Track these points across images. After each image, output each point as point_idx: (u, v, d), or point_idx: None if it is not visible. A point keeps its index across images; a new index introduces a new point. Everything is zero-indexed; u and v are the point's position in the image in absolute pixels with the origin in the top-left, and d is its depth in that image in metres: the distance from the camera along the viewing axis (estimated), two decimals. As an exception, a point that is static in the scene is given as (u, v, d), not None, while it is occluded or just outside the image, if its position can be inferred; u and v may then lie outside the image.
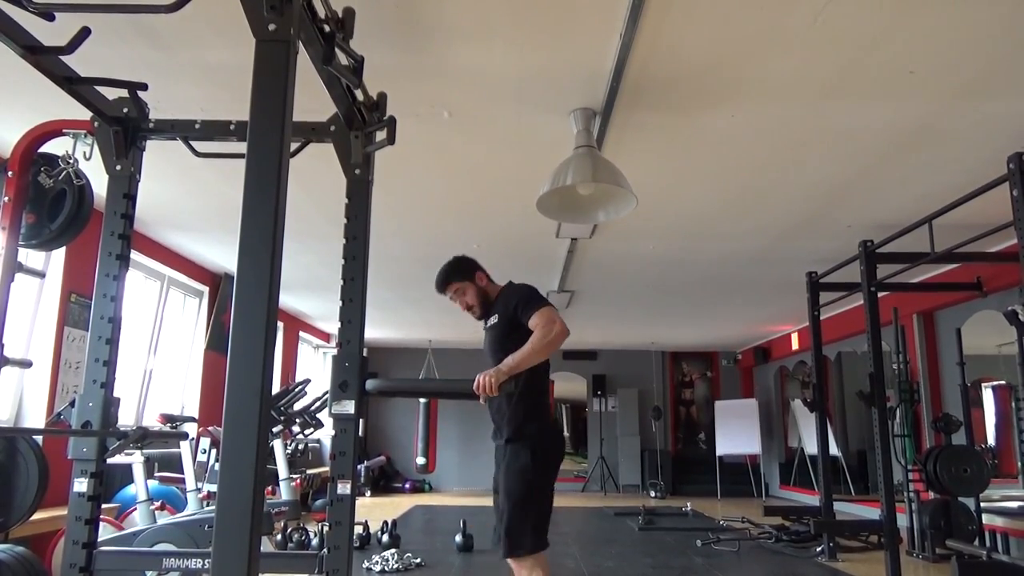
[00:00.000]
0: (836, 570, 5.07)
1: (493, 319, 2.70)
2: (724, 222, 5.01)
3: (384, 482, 11.44)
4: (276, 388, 6.37)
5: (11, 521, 2.58)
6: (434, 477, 11.31)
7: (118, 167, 2.41)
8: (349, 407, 2.29)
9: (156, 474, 4.98)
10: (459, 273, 2.82)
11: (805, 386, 10.31)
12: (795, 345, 9.85)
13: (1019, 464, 5.93)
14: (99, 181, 2.45)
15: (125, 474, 4.71)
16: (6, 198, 2.36)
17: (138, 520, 4.08)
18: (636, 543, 6.25)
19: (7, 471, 2.56)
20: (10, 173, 2.39)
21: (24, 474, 2.56)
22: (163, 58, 2.85)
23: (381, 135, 2.45)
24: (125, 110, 2.37)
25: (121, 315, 2.36)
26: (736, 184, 4.27)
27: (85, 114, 2.36)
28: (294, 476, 6.51)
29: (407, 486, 11.37)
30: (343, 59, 2.10)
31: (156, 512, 4.23)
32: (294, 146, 2.45)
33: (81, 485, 2.24)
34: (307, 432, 6.66)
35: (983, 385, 7.03)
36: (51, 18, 1.72)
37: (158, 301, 5.97)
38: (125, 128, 2.40)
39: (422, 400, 9.08)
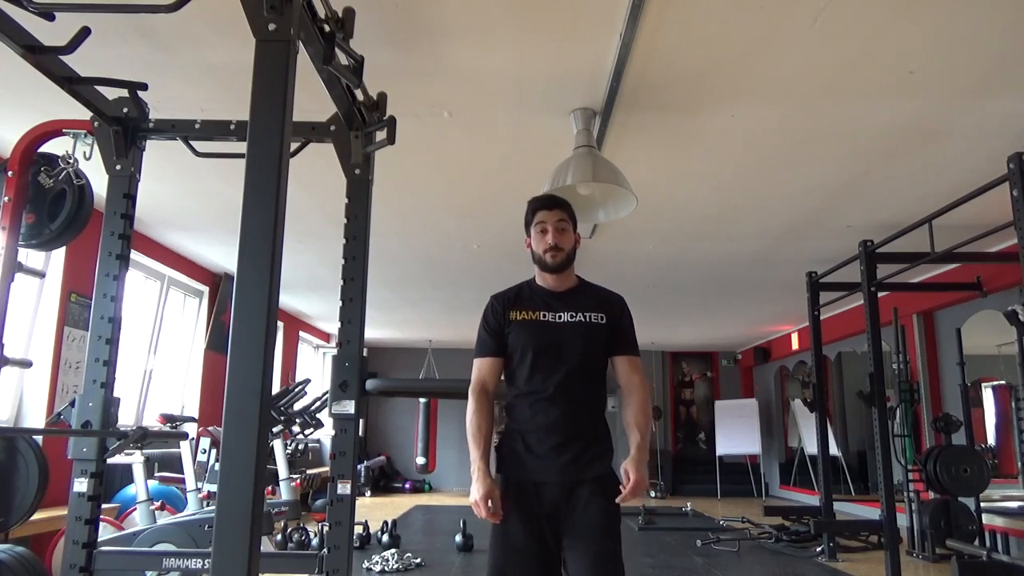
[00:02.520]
0: (836, 570, 5.07)
1: (595, 316, 2.09)
2: (724, 222, 5.01)
3: (384, 482, 11.44)
4: (276, 388, 6.37)
5: (11, 521, 2.57)
6: (434, 477, 11.31)
7: (118, 167, 2.41)
8: (349, 407, 2.30)
9: (156, 474, 4.98)
10: (573, 214, 2.19)
11: (805, 386, 10.31)
12: (795, 345, 9.85)
13: (1019, 464, 5.93)
14: (99, 181, 2.45)
15: (125, 474, 4.72)
16: (6, 198, 2.36)
17: (138, 520, 4.08)
18: (636, 543, 6.25)
19: (7, 471, 2.56)
20: (10, 173, 2.40)
21: (24, 474, 2.55)
22: (163, 58, 2.85)
23: (381, 135, 2.45)
24: (125, 110, 2.37)
25: (121, 315, 2.36)
26: (736, 184, 4.26)
27: (85, 114, 2.36)
28: (294, 476, 6.51)
29: (407, 486, 11.36)
30: (343, 59, 2.10)
31: (156, 512, 4.23)
32: (294, 146, 2.45)
33: (81, 485, 2.24)
34: (307, 432, 6.67)
35: (983, 385, 7.03)
36: (51, 18, 1.72)
37: (158, 301, 5.97)
38: (125, 128, 2.40)
39: (422, 400, 9.09)
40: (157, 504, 4.44)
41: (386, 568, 4.88)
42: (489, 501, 1.94)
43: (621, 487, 1.95)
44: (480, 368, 2.11)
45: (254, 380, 1.31)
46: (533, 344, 2.06)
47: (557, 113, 3.32)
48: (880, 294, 4.72)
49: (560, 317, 2.09)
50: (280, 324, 8.35)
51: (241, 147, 1.41)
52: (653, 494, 10.69)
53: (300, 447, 8.01)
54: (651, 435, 2.09)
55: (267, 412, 1.32)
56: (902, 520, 5.03)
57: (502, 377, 2.13)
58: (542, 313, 2.09)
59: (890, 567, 4.27)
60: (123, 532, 3.80)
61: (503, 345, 2.10)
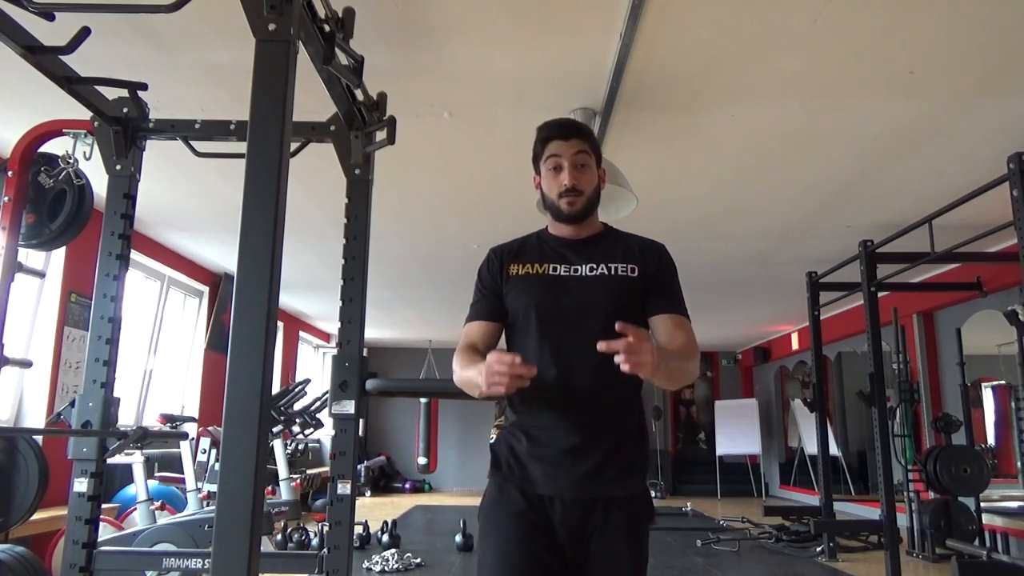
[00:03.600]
0: (836, 570, 5.07)
1: (624, 267, 1.59)
2: (724, 222, 5.01)
3: (384, 482, 11.44)
4: (276, 388, 6.37)
5: (11, 521, 2.58)
6: (434, 477, 11.31)
7: (118, 167, 2.41)
8: (349, 407, 2.30)
9: (156, 474, 4.98)
10: (595, 144, 1.67)
11: (805, 386, 10.31)
12: (795, 345, 9.85)
13: (1019, 464, 5.93)
14: (99, 181, 2.45)
15: (125, 474, 4.72)
16: (6, 198, 2.37)
17: (138, 520, 4.08)
18: (636, 543, 6.24)
19: (7, 471, 2.56)
20: (10, 173, 2.40)
21: (24, 474, 2.56)
22: (163, 58, 2.85)
23: (381, 135, 2.46)
24: (125, 110, 2.37)
25: (121, 315, 2.36)
26: (736, 184, 4.26)
27: (85, 114, 2.36)
28: (294, 476, 6.52)
29: (407, 486, 11.37)
30: (343, 59, 2.10)
31: (156, 512, 4.23)
32: (294, 146, 2.45)
33: (81, 485, 2.24)
34: (307, 432, 6.67)
35: (983, 385, 7.03)
36: (51, 18, 1.72)
37: (158, 301, 5.97)
38: (125, 128, 2.40)
39: (422, 400, 9.09)
40: (157, 504, 4.44)
41: (386, 568, 4.88)
42: (501, 359, 1.35)
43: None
44: (468, 332, 1.62)
45: (254, 380, 1.31)
46: (538, 305, 1.55)
47: (557, 113, 3.31)
48: (880, 294, 4.72)
49: (577, 271, 1.58)
50: (280, 324, 8.35)
51: (241, 147, 1.41)
52: (654, 494, 10.70)
53: (300, 447, 8.01)
54: (688, 373, 1.50)
55: (267, 412, 1.32)
56: (902, 520, 5.03)
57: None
58: (552, 266, 1.59)
59: (890, 567, 4.27)
60: (123, 532, 3.80)
61: (500, 309, 1.62)
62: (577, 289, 1.56)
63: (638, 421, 1.57)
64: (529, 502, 1.50)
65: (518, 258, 1.64)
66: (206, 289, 6.70)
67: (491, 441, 1.69)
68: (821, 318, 5.64)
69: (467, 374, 1.49)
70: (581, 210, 1.60)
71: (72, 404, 2.27)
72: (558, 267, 1.59)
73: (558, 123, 1.64)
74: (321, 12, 1.85)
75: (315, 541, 5.36)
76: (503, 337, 1.64)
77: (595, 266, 1.58)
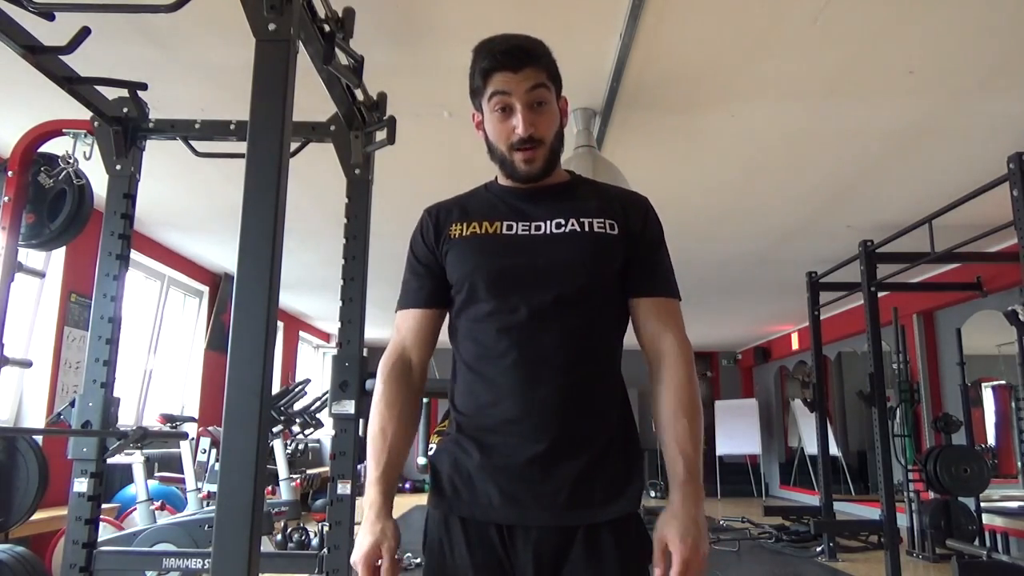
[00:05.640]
0: (836, 570, 5.07)
1: (600, 222, 1.22)
2: (724, 222, 5.01)
3: (384, 482, 11.43)
4: (276, 388, 6.37)
5: (11, 521, 2.58)
6: (434, 477, 11.31)
7: (118, 167, 2.41)
8: (349, 407, 2.30)
9: (156, 474, 4.98)
10: (554, 69, 1.28)
11: (805, 386, 10.31)
12: (795, 345, 9.85)
13: (1019, 464, 5.93)
14: (99, 181, 2.45)
15: (125, 474, 4.72)
16: (6, 198, 2.37)
17: (138, 520, 4.08)
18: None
19: (7, 471, 2.56)
20: (10, 173, 2.40)
21: (24, 474, 2.56)
22: (163, 58, 2.85)
23: (381, 135, 2.46)
24: (125, 110, 2.37)
25: (121, 315, 2.36)
26: (736, 184, 4.26)
27: (85, 114, 2.36)
28: (294, 476, 6.51)
29: (407, 486, 11.36)
30: (343, 59, 2.10)
31: (156, 512, 4.23)
32: (294, 146, 2.46)
33: (81, 485, 2.24)
34: (307, 432, 6.66)
35: (983, 385, 7.03)
36: (51, 18, 1.72)
37: (158, 301, 5.97)
38: (125, 128, 2.40)
39: (422, 400, 9.09)
40: (157, 504, 4.44)
41: (386, 568, 4.87)
42: (378, 560, 1.10)
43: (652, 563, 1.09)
44: (400, 327, 1.30)
45: (254, 380, 1.31)
46: (487, 271, 1.19)
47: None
48: (880, 294, 4.72)
49: (540, 228, 1.22)
50: (280, 324, 8.35)
51: (241, 147, 1.41)
52: (653, 494, 10.71)
53: (300, 447, 8.01)
54: (701, 448, 1.14)
55: (267, 412, 1.32)
56: (902, 520, 5.03)
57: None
58: (506, 223, 1.24)
59: (890, 567, 4.27)
60: (123, 532, 3.80)
61: (442, 290, 1.27)
62: (541, 251, 1.19)
63: (627, 416, 1.22)
64: (483, 541, 1.13)
65: (461, 217, 1.27)
66: (206, 289, 6.70)
67: (429, 453, 1.32)
68: (821, 318, 5.64)
69: (368, 460, 1.19)
70: (542, 167, 1.24)
71: (72, 404, 2.27)
72: (513, 224, 1.23)
73: (503, 47, 1.23)
74: (321, 12, 1.86)
75: (315, 541, 5.36)
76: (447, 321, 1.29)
77: (563, 221, 1.21)
